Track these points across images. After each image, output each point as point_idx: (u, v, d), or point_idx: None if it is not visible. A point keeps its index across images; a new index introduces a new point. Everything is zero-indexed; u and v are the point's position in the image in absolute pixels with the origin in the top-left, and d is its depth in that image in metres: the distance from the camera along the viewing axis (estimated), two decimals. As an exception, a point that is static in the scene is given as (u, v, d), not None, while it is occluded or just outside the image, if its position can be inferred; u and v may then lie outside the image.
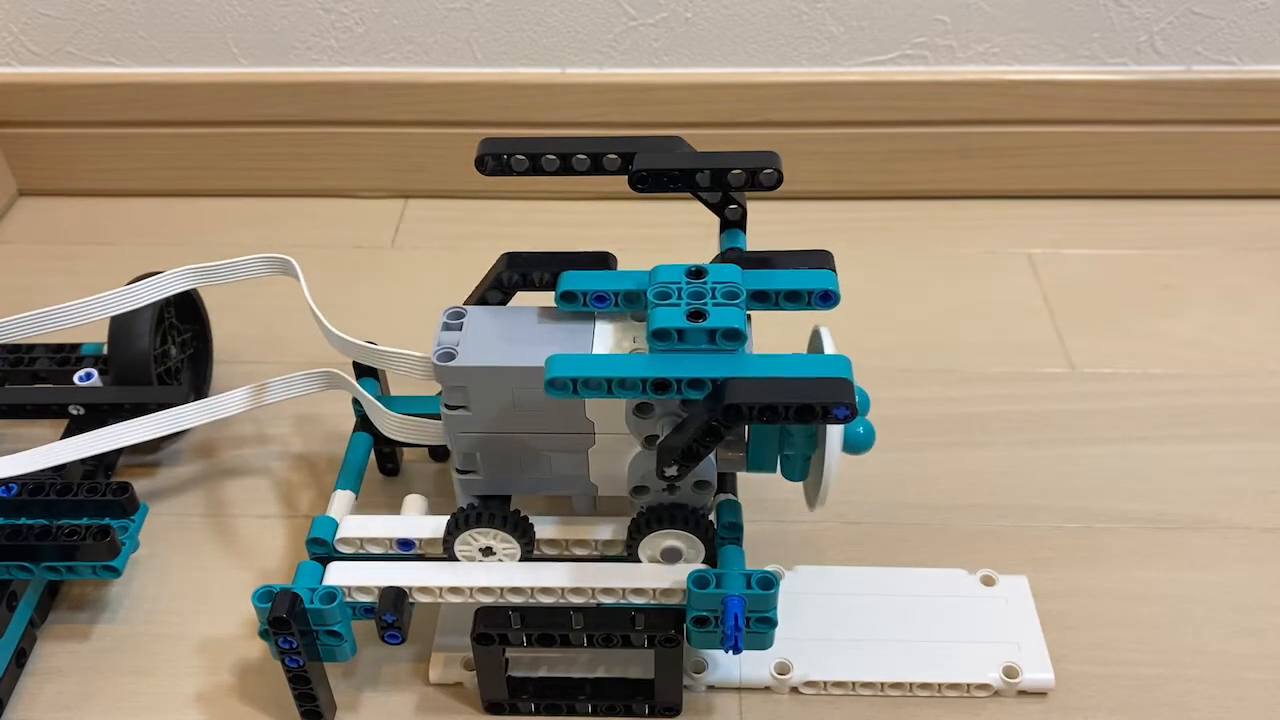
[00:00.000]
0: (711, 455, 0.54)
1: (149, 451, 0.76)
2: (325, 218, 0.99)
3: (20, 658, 0.63)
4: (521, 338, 0.55)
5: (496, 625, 0.56)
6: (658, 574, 0.56)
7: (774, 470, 0.58)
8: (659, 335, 0.49)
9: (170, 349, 0.76)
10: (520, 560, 0.57)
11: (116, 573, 0.60)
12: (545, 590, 0.56)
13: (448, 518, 0.58)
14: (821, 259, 0.55)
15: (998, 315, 0.87)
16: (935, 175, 0.98)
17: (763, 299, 0.53)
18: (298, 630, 0.54)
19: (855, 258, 0.93)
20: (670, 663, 0.58)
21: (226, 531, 0.71)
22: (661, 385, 0.49)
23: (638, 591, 0.56)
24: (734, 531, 0.58)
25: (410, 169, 0.99)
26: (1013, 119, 0.94)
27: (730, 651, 0.54)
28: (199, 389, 0.79)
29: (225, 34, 0.94)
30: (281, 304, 0.83)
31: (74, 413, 0.70)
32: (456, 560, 0.57)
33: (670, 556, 0.57)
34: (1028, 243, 0.94)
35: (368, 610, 0.56)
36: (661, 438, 0.52)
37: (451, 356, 0.54)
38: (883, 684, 0.61)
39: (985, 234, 0.95)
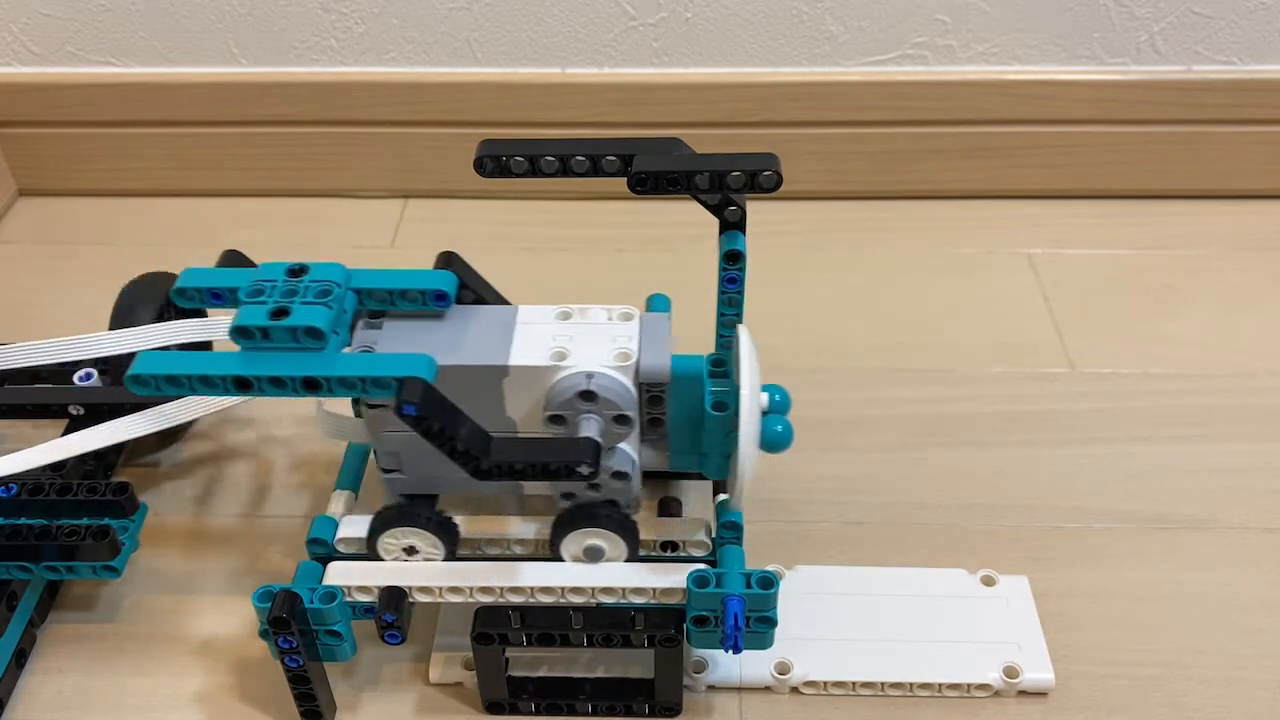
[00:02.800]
0: (634, 452, 0.55)
1: (149, 452, 0.76)
2: (325, 218, 0.99)
3: (20, 658, 0.63)
4: (440, 335, 0.54)
5: (496, 625, 0.56)
6: (658, 574, 0.56)
7: (696, 469, 0.57)
8: (241, 333, 0.50)
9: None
10: (445, 560, 0.57)
11: (116, 573, 0.60)
12: (545, 590, 0.56)
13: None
14: None
15: (998, 315, 0.87)
16: (935, 175, 0.98)
17: (376, 298, 0.54)
18: (298, 630, 0.54)
19: (855, 258, 0.93)
20: (670, 662, 0.58)
21: (226, 531, 0.71)
22: (242, 383, 0.49)
23: (638, 591, 0.56)
24: (734, 531, 0.58)
25: (410, 169, 0.99)
26: (1013, 119, 0.94)
27: (730, 651, 0.54)
28: (199, 389, 0.79)
29: (225, 34, 0.94)
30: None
31: (74, 413, 0.70)
32: (381, 559, 0.57)
33: (593, 555, 0.56)
34: (1028, 243, 0.94)
35: (368, 610, 0.56)
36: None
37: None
38: (883, 684, 0.61)
39: (985, 234, 0.95)
